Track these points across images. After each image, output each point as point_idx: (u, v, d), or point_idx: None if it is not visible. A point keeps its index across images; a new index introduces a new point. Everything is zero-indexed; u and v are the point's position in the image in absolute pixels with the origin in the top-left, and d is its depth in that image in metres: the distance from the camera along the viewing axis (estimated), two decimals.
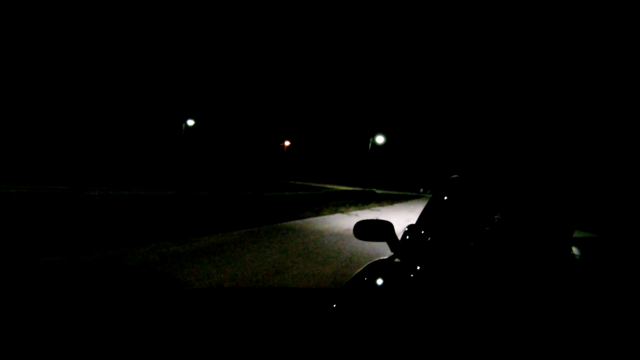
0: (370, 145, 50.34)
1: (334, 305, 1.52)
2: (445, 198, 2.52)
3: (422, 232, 2.30)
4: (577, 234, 2.24)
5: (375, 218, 2.50)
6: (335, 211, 16.69)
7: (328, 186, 47.33)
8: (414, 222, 2.51)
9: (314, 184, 49.92)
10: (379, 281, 1.83)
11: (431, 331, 1.31)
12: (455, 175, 2.64)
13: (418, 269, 2.00)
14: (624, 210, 2.50)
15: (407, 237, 2.45)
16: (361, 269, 1.87)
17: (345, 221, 13.51)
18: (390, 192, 49.90)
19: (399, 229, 2.76)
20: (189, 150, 55.52)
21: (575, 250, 2.12)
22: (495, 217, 2.41)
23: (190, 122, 52.84)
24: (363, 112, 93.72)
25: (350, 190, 32.74)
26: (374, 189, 45.74)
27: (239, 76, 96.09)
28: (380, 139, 50.76)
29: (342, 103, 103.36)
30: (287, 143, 78.89)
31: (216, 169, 54.66)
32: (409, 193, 56.34)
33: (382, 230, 2.38)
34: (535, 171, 2.82)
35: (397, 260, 2.16)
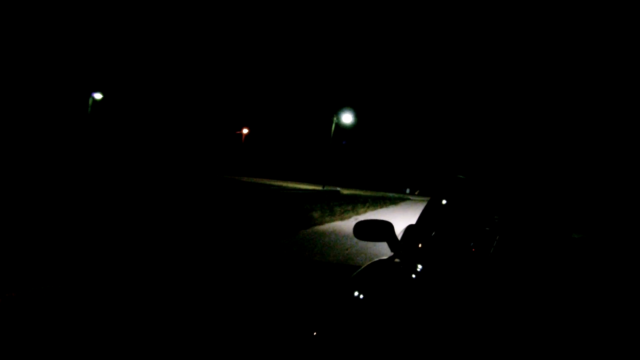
0: (333, 126, 38.06)
1: (334, 304, 1.65)
2: (446, 198, 2.73)
3: (422, 232, 2.51)
4: (575, 236, 2.46)
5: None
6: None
7: (283, 184, 40.77)
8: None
9: (264, 181, 43.24)
10: (379, 281, 1.97)
11: (430, 331, 1.43)
12: (455, 176, 2.87)
13: (418, 269, 2.18)
14: (622, 212, 2.67)
15: (407, 237, 2.65)
16: (361, 268, 2.05)
17: None
18: (363, 192, 38.94)
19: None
20: (96, 134, 44.69)
21: (573, 251, 2.33)
22: (495, 217, 2.64)
23: (98, 96, 44.17)
24: (330, 91, 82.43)
25: (302, 192, 27.71)
26: (339, 188, 34.23)
27: (178, 44, 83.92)
28: (347, 118, 38.45)
29: (305, 82, 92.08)
30: (245, 131, 72.06)
31: (140, 158, 47.63)
32: (390, 194, 45.07)
33: (382, 230, 2.56)
34: (535, 173, 3.02)
35: (397, 260, 2.36)
